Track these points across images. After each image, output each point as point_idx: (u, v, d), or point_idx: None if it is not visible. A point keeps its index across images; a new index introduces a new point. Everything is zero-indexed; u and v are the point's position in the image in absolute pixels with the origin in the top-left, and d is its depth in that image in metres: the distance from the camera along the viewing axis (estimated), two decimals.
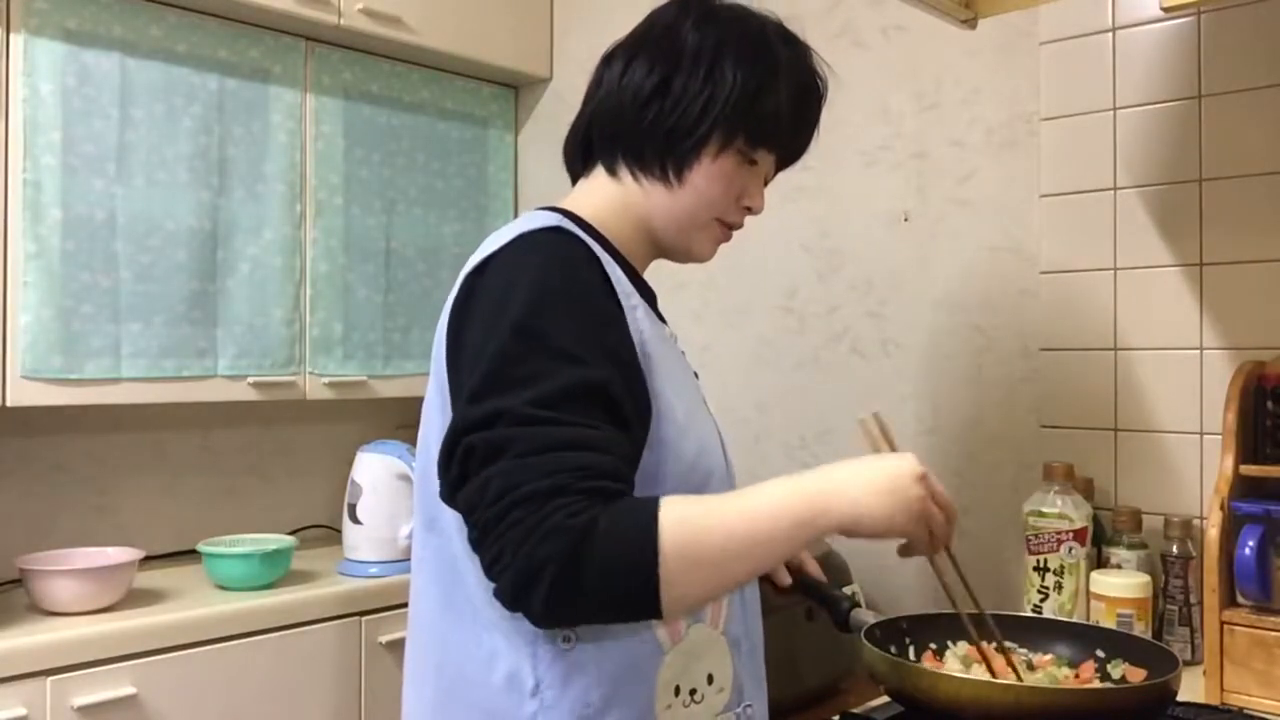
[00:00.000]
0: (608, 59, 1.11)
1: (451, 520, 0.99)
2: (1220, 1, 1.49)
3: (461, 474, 0.91)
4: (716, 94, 1.04)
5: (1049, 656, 1.25)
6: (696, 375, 1.15)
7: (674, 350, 1.09)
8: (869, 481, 0.93)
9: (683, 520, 0.88)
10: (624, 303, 1.00)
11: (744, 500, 0.92)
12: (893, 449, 1.07)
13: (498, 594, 0.88)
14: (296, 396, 2.19)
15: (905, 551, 1.03)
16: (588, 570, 0.84)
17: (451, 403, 0.98)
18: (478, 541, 0.89)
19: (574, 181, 1.15)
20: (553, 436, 0.88)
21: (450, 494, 0.95)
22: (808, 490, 0.92)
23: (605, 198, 1.10)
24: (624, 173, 1.09)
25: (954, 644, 1.27)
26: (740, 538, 0.90)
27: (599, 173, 1.11)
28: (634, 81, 1.06)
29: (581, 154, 1.14)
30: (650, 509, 0.88)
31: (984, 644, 1.17)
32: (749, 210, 1.12)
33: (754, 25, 1.09)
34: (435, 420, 1.01)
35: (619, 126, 1.08)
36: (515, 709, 0.96)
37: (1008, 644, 1.20)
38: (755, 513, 0.90)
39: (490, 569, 0.88)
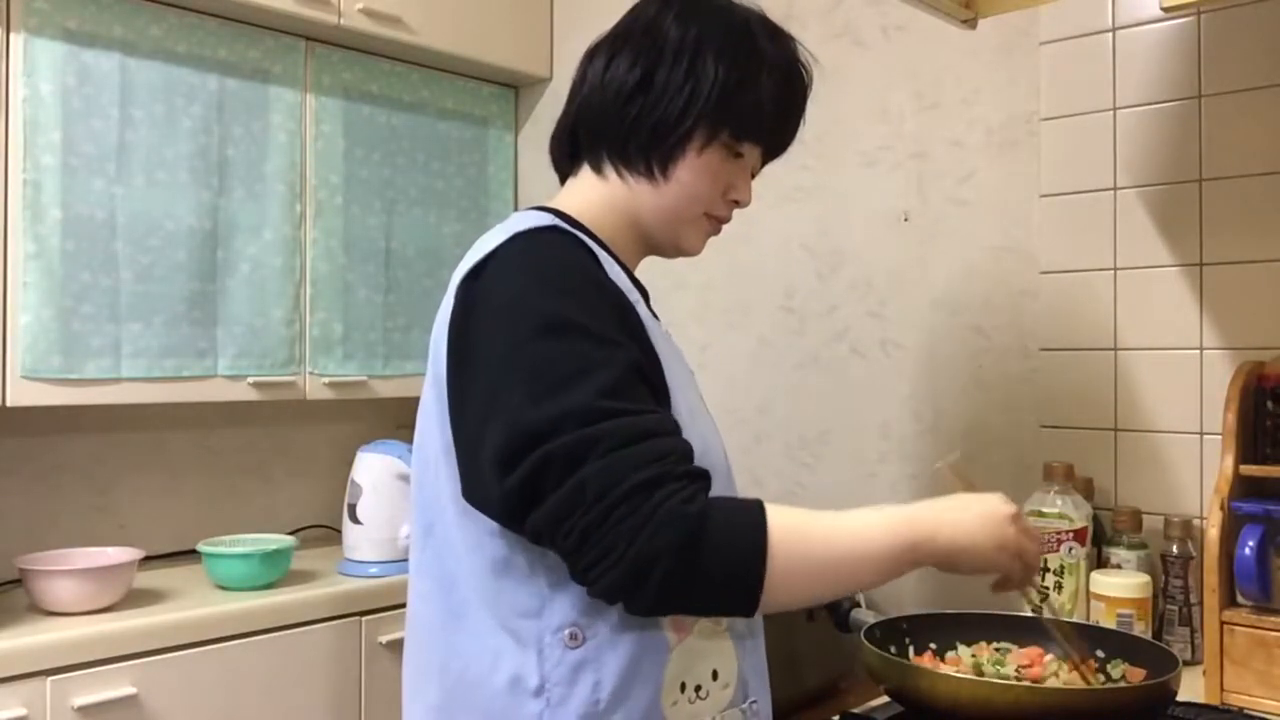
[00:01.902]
0: (590, 55, 1.11)
1: (452, 526, 0.99)
2: (1220, 1, 1.49)
3: (536, 487, 0.88)
4: (699, 88, 1.03)
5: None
6: (693, 374, 1.15)
7: (673, 346, 1.09)
8: (968, 519, 0.97)
9: (792, 521, 0.90)
10: (626, 295, 1.00)
11: (852, 516, 0.94)
12: (973, 491, 1.08)
13: (599, 590, 0.87)
14: (296, 396, 2.19)
15: (1000, 587, 1.05)
16: (705, 556, 0.85)
17: (452, 412, 0.97)
18: (575, 548, 0.87)
19: (562, 180, 1.15)
20: (633, 428, 0.88)
21: (510, 507, 0.91)
22: (916, 519, 0.95)
23: (593, 196, 1.09)
24: (609, 170, 1.09)
25: (960, 645, 1.27)
26: (845, 550, 0.92)
27: (586, 171, 1.11)
28: (616, 77, 1.06)
29: (568, 152, 1.13)
30: (759, 505, 0.90)
31: (1074, 658, 1.18)
32: (737, 204, 1.12)
33: (737, 18, 1.08)
34: (433, 429, 1.01)
35: (603, 124, 1.07)
36: (521, 709, 0.96)
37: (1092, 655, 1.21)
38: (863, 530, 0.93)
39: (595, 567, 0.86)
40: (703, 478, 0.90)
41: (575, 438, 0.87)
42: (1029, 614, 1.25)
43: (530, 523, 0.90)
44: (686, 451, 0.91)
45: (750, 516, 0.89)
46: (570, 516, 0.87)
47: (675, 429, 0.93)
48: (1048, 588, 1.57)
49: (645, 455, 0.87)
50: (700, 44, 1.04)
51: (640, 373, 0.93)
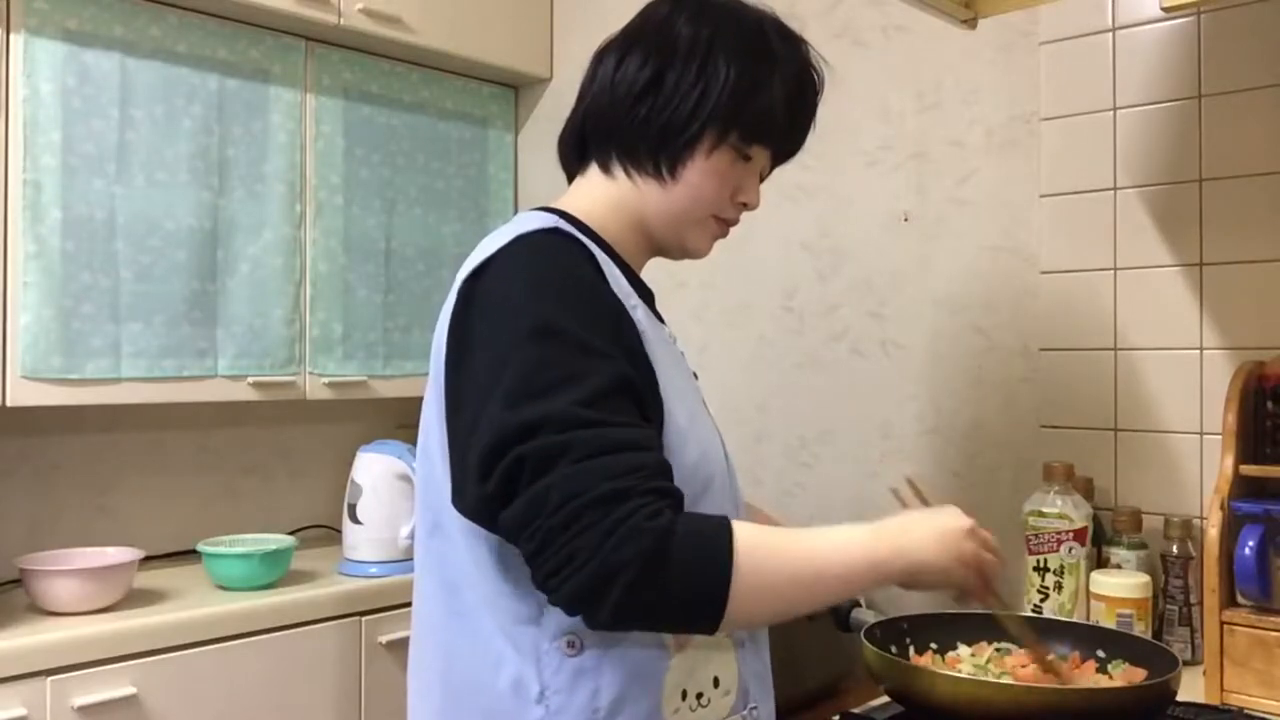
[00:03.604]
0: (600, 55, 1.10)
1: (455, 526, 0.99)
2: (1220, 1, 1.49)
3: (509, 489, 0.88)
4: (710, 89, 1.03)
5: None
6: (696, 376, 1.15)
7: (674, 352, 1.09)
8: (929, 536, 0.97)
9: (754, 538, 0.89)
10: (624, 303, 0.99)
11: (816, 536, 0.94)
12: (928, 506, 1.10)
13: (559, 600, 0.86)
14: (296, 396, 2.19)
15: (961, 599, 1.06)
16: (668, 571, 0.84)
17: (448, 411, 0.97)
18: (536, 553, 0.86)
19: (570, 180, 1.14)
20: (606, 439, 0.87)
21: (489, 510, 0.91)
22: (879, 538, 0.95)
23: (600, 196, 1.09)
24: (618, 170, 1.08)
25: (961, 645, 1.27)
26: (809, 570, 0.92)
27: (594, 171, 1.10)
28: (627, 77, 1.05)
29: (576, 152, 1.12)
30: (724, 521, 0.89)
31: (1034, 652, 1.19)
32: (745, 206, 1.11)
33: (749, 19, 1.08)
34: (434, 428, 1.01)
35: (612, 123, 1.07)
36: (522, 714, 0.96)
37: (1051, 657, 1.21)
38: (828, 550, 0.93)
39: (555, 575, 0.85)
40: (672, 495, 0.88)
41: (547, 442, 0.86)
42: (1028, 614, 1.24)
43: (500, 525, 0.90)
44: (660, 468, 0.89)
45: (716, 535, 0.88)
46: (533, 521, 0.86)
47: (653, 445, 0.91)
48: (1047, 588, 1.57)
49: (615, 467, 0.86)
50: (712, 45, 1.04)
51: (626, 386, 0.92)
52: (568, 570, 0.84)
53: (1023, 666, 1.18)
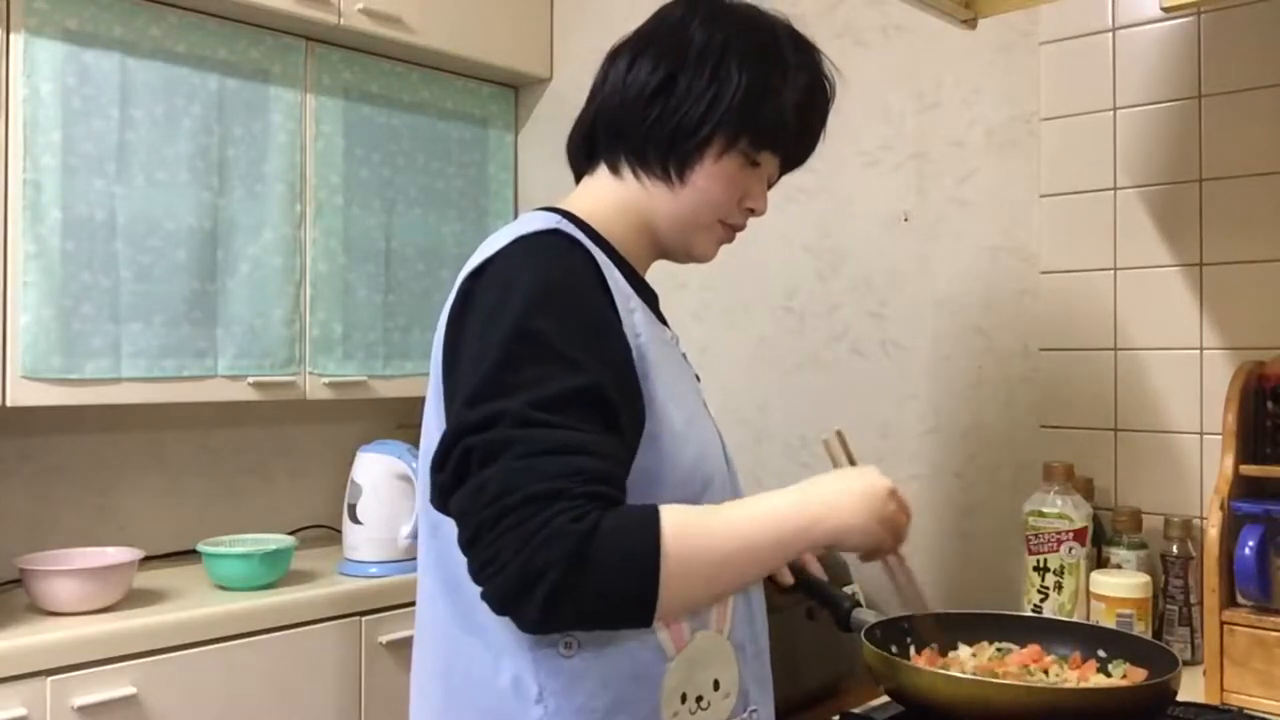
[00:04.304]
0: (613, 56, 1.10)
1: (454, 525, 0.99)
2: (1220, 1, 1.49)
3: (457, 476, 0.90)
4: (721, 94, 1.03)
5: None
6: (698, 378, 1.15)
7: (675, 353, 1.09)
8: (853, 498, 0.99)
9: (683, 526, 0.89)
10: (621, 306, 0.99)
11: (743, 509, 0.95)
12: (853, 464, 1.14)
13: (486, 597, 0.87)
14: (296, 396, 2.19)
15: (869, 557, 1.08)
16: (590, 574, 0.84)
17: (445, 407, 0.97)
18: (470, 543, 0.88)
19: (578, 179, 1.14)
20: (551, 440, 0.87)
21: (443, 497, 0.93)
22: (804, 502, 0.96)
23: (607, 197, 1.09)
24: (626, 172, 1.08)
25: (961, 645, 1.27)
26: (739, 544, 0.92)
27: (602, 171, 1.10)
28: (639, 79, 1.05)
29: (585, 152, 1.12)
30: (650, 514, 0.88)
31: (933, 646, 1.21)
32: (752, 212, 1.11)
33: (763, 25, 1.08)
34: (434, 429, 1.01)
35: (623, 124, 1.07)
36: (521, 714, 0.96)
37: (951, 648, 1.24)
38: (754, 521, 0.93)
39: (482, 571, 0.86)
40: (606, 500, 0.87)
41: (494, 436, 0.87)
42: (1028, 614, 1.25)
43: (450, 514, 0.91)
44: (603, 474, 0.88)
45: (640, 525, 0.87)
46: (468, 512, 0.87)
47: (605, 452, 0.90)
48: (1047, 588, 1.57)
49: (551, 469, 0.86)
50: (725, 50, 1.04)
51: (591, 395, 0.91)
52: (492, 569, 0.85)
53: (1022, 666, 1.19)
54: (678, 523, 0.88)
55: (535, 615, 0.85)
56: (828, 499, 0.98)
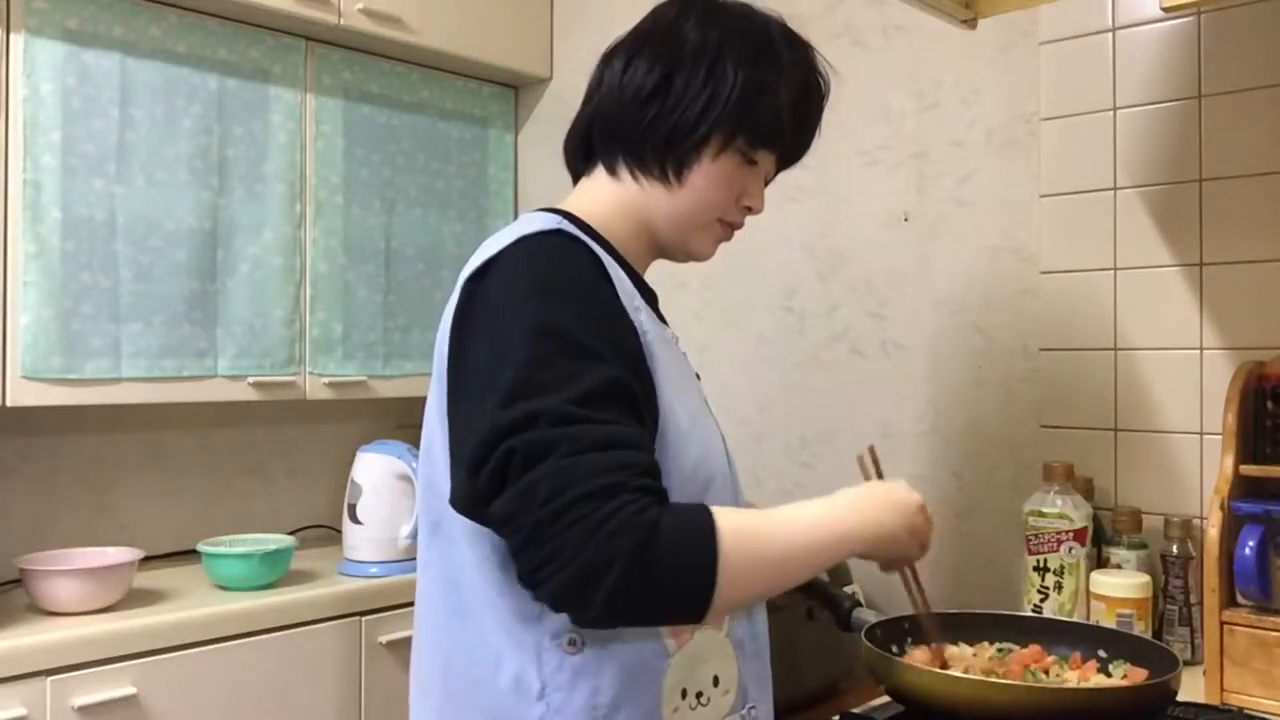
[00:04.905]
0: (609, 56, 1.11)
1: (456, 524, 0.99)
2: (1220, 1, 1.49)
3: (498, 481, 0.88)
4: (718, 93, 1.03)
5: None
6: (698, 377, 1.15)
7: (676, 353, 1.09)
8: (887, 510, 1.03)
9: (736, 527, 0.90)
10: (627, 304, 0.99)
11: (785, 516, 0.96)
12: (881, 479, 1.17)
13: (545, 595, 0.86)
14: (296, 396, 2.19)
15: (890, 567, 1.12)
16: (655, 566, 0.84)
17: (449, 409, 0.97)
18: (522, 546, 0.86)
19: (575, 180, 1.15)
20: (597, 435, 0.87)
21: (479, 502, 0.91)
22: (845, 513, 0.99)
23: (605, 198, 1.09)
24: (624, 172, 1.08)
25: (962, 644, 1.27)
26: (787, 550, 0.94)
27: (599, 172, 1.10)
28: (635, 79, 1.06)
29: (582, 153, 1.13)
30: (707, 511, 0.90)
31: (935, 645, 1.22)
32: (749, 210, 1.12)
33: (757, 24, 1.08)
34: (436, 430, 1.01)
35: (619, 125, 1.07)
36: (522, 712, 0.96)
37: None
38: (798, 529, 0.95)
39: (539, 570, 0.85)
40: (659, 493, 0.89)
41: (537, 436, 0.86)
42: (1028, 614, 1.25)
43: (489, 517, 0.90)
44: (649, 467, 0.90)
45: (701, 526, 0.88)
46: (519, 515, 0.86)
47: (643, 445, 0.92)
48: (1047, 588, 1.57)
49: (603, 463, 0.86)
50: (720, 49, 1.04)
51: (620, 388, 0.92)
52: (554, 565, 0.84)
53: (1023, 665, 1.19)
54: (731, 523, 0.90)
55: (599, 608, 0.84)
56: (864, 511, 1.00)
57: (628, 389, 0.92)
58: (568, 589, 0.84)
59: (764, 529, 0.93)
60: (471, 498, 0.92)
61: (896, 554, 1.06)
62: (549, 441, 0.86)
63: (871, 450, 1.20)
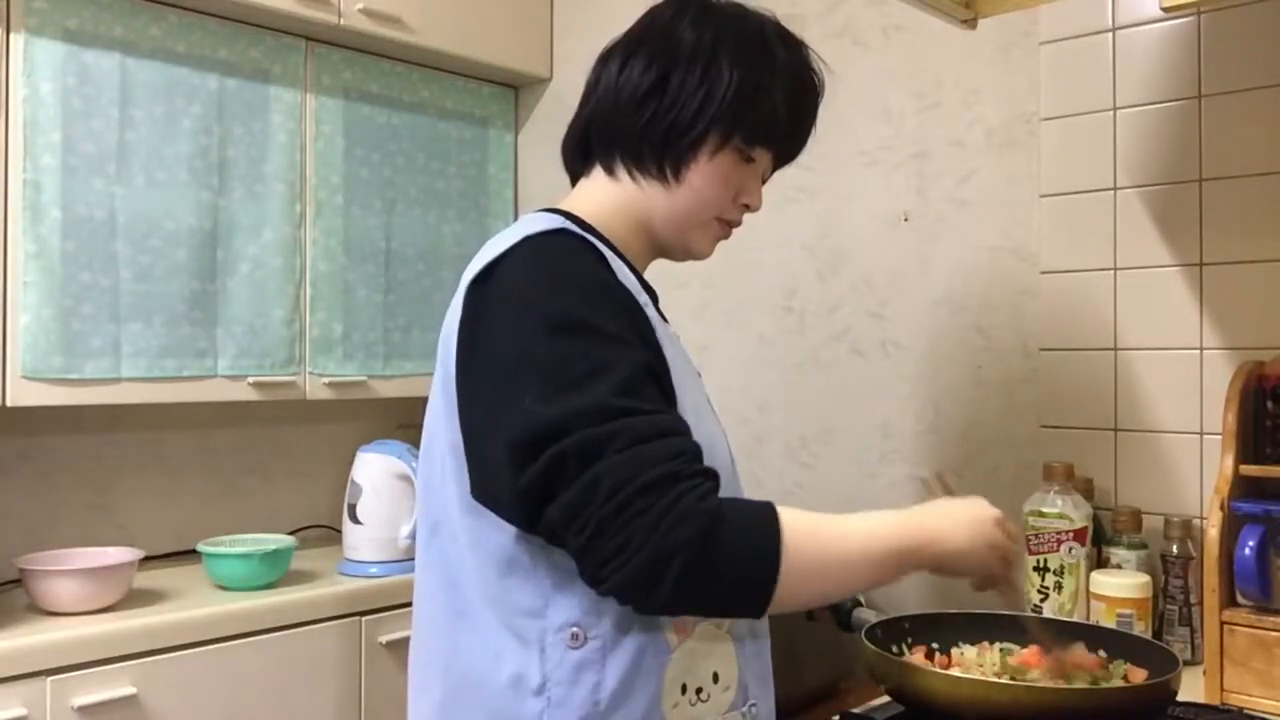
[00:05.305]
0: (605, 57, 1.11)
1: (457, 524, 0.99)
2: (1220, 1, 1.49)
3: (550, 484, 0.88)
4: (713, 92, 1.04)
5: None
6: (699, 376, 1.15)
7: (680, 350, 1.09)
8: (961, 525, 1.02)
9: (802, 523, 0.91)
10: (636, 299, 1.00)
11: (855, 520, 0.97)
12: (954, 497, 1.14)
13: (614, 586, 0.87)
14: (296, 396, 2.19)
15: (982, 586, 1.09)
16: (722, 553, 0.86)
17: (460, 412, 0.97)
18: (590, 541, 0.86)
19: (574, 181, 1.15)
20: (645, 426, 0.88)
21: (525, 503, 0.91)
22: (914, 525, 0.99)
23: (604, 198, 1.10)
24: (622, 172, 1.09)
25: (961, 645, 1.27)
26: (850, 554, 0.94)
27: (598, 173, 1.11)
28: (631, 79, 1.06)
29: (580, 154, 1.13)
30: (771, 505, 0.91)
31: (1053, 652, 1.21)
32: (747, 208, 1.13)
33: (752, 23, 1.09)
34: (440, 431, 1.01)
35: (616, 126, 1.08)
36: (522, 708, 0.96)
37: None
38: (868, 534, 0.96)
39: (607, 565, 0.86)
40: (714, 478, 0.90)
41: (588, 435, 0.87)
42: (1028, 614, 1.25)
43: (544, 519, 0.90)
44: (697, 451, 0.91)
45: (765, 516, 0.90)
46: (584, 512, 0.86)
47: (686, 429, 0.93)
48: (1047, 588, 1.57)
49: (659, 453, 0.87)
50: (716, 49, 1.05)
51: (651, 373, 0.94)
52: (624, 557, 0.85)
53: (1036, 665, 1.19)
54: (793, 519, 0.91)
55: (666, 595, 0.85)
56: (938, 523, 1.00)
57: (655, 372, 0.94)
58: (638, 578, 0.85)
59: (822, 530, 0.94)
60: (516, 497, 0.92)
61: (976, 570, 1.04)
62: (601, 438, 0.87)
63: (940, 475, 1.20)
